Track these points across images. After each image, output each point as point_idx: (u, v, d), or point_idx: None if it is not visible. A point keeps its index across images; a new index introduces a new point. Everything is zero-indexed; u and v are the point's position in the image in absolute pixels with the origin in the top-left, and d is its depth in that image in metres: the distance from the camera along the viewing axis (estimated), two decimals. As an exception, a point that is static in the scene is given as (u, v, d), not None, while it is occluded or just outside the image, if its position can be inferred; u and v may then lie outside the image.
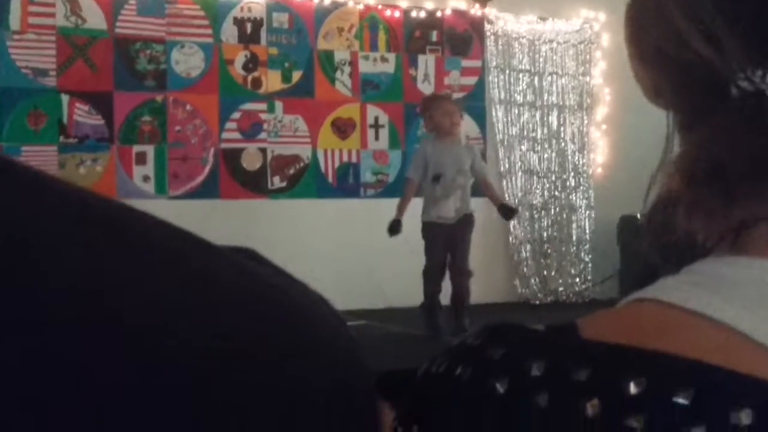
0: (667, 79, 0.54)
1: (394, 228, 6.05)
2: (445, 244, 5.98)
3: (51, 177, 0.41)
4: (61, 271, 0.35)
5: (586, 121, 8.51)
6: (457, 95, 7.95)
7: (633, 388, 0.43)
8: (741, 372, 0.44)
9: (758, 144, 0.48)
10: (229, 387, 0.36)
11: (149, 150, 7.22)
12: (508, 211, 6.36)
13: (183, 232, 0.42)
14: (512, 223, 8.12)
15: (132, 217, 0.41)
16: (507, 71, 8.27)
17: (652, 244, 0.57)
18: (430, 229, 6.01)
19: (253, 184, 7.50)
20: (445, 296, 6.07)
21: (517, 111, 8.28)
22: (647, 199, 0.59)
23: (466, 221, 6.07)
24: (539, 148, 8.37)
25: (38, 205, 0.38)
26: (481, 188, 6.34)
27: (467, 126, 8.00)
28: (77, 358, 0.33)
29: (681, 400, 0.43)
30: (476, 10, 8.11)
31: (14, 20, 6.85)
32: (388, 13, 7.90)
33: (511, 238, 8.18)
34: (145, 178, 7.20)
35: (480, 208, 7.15)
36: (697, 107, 0.51)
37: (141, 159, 7.19)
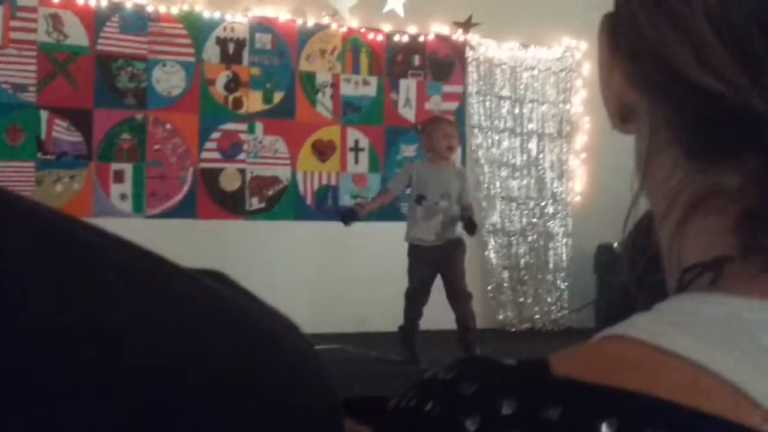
0: (672, 106, 0.52)
1: (348, 215, 6.11)
2: (429, 268, 5.89)
3: (21, 198, 0.40)
4: (28, 296, 0.35)
5: (565, 149, 8.56)
6: (415, 124, 7.99)
7: (605, 429, 0.43)
8: (712, 414, 0.43)
9: None
10: (202, 411, 0.36)
11: (127, 168, 7.19)
12: (471, 226, 6.15)
13: (154, 255, 0.41)
14: (489, 248, 8.15)
15: (102, 239, 0.40)
16: (488, 97, 8.31)
17: (630, 270, 0.56)
18: (411, 251, 5.97)
19: (231, 205, 7.48)
20: (449, 321, 6.00)
21: (497, 137, 8.32)
22: (626, 226, 0.58)
23: (453, 244, 5.98)
24: (518, 174, 8.40)
25: (9, 226, 0.37)
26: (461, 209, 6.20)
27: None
28: (48, 379, 0.33)
29: None
30: (459, 36, 8.16)
31: (-5, 35, 6.83)
32: (371, 36, 7.94)
33: (487, 265, 8.19)
34: (123, 197, 7.17)
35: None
36: (715, 143, 0.50)
37: (119, 177, 7.16)
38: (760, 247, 0.48)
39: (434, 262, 5.89)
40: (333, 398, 0.44)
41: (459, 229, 6.02)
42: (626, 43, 0.55)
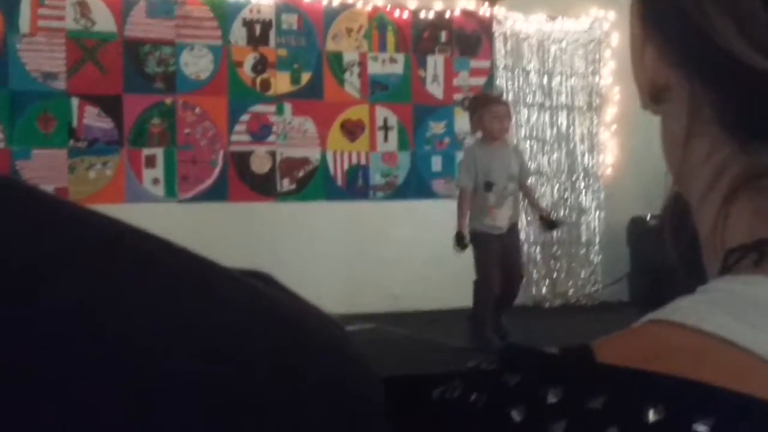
0: (716, 84, 0.50)
1: (460, 241, 5.72)
2: (499, 254, 5.72)
3: (52, 197, 0.40)
4: (59, 295, 0.35)
5: (595, 122, 8.49)
6: (465, 95, 7.96)
7: (652, 416, 0.42)
8: (762, 399, 0.42)
9: None
10: (247, 419, 0.36)
11: (159, 153, 7.23)
12: (551, 224, 6.11)
13: (198, 257, 0.41)
14: (521, 223, 8.11)
15: (146, 242, 0.41)
16: (516, 71, 8.26)
17: (675, 250, 0.55)
18: (483, 240, 5.71)
19: (262, 187, 7.50)
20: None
21: (526, 112, 8.27)
22: (666, 210, 0.57)
23: (515, 227, 5.93)
24: (548, 149, 8.35)
25: (37, 224, 0.37)
26: (523, 193, 6.09)
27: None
28: (77, 386, 0.33)
29: (701, 428, 0.42)
30: (485, 10, 8.10)
31: (24, 23, 6.87)
32: (396, 13, 7.90)
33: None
34: (155, 181, 7.21)
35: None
36: (764, 123, 0.48)
37: (150, 162, 7.21)
38: None
39: (502, 249, 5.73)
40: (377, 406, 0.44)
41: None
42: (662, 18, 0.54)
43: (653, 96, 0.56)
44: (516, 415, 0.44)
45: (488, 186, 5.70)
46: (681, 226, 0.57)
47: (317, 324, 0.43)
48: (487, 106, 5.83)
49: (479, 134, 5.92)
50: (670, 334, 0.47)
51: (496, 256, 5.68)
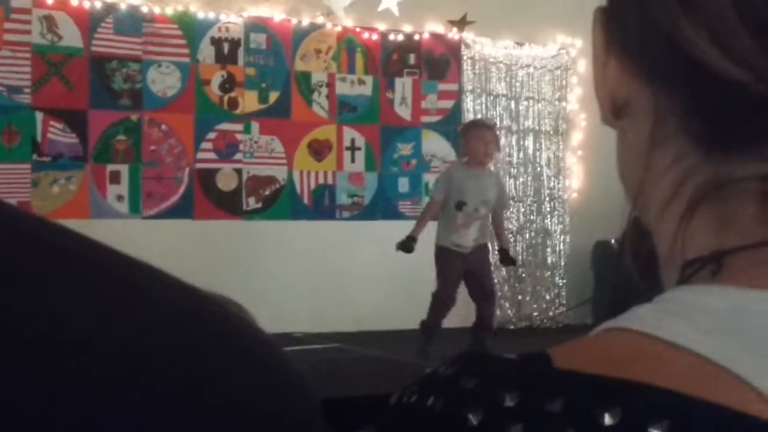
0: (683, 94, 0.50)
1: (407, 245, 5.87)
2: (461, 272, 5.88)
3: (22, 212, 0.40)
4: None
5: (561, 147, 8.56)
6: (433, 118, 8.00)
7: (608, 419, 0.42)
8: (715, 403, 0.43)
9: None
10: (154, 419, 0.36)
11: (123, 169, 7.19)
12: (508, 260, 6.31)
13: (168, 276, 0.41)
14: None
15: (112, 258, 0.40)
16: (483, 95, 8.32)
17: (632, 263, 0.56)
18: (446, 255, 5.87)
19: (228, 205, 7.47)
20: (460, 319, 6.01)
21: (493, 135, 8.31)
22: (628, 220, 0.58)
23: (484, 249, 6.05)
24: (515, 172, 8.41)
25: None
26: (492, 221, 6.22)
27: (444, 149, 8.04)
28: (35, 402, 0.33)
29: (656, 431, 0.42)
30: (454, 34, 8.16)
31: (-11, 37, 6.82)
32: (365, 35, 7.94)
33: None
34: (119, 198, 7.16)
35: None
36: (734, 133, 0.49)
37: (115, 178, 7.16)
38: None
39: (465, 266, 5.88)
40: (312, 421, 0.44)
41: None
42: (627, 27, 0.54)
43: (614, 110, 0.57)
44: (473, 419, 0.44)
45: (459, 205, 5.84)
46: (640, 240, 0.57)
47: (252, 340, 0.43)
48: (476, 130, 6.03)
49: (465, 158, 6.08)
50: (626, 340, 0.47)
51: (457, 274, 5.85)
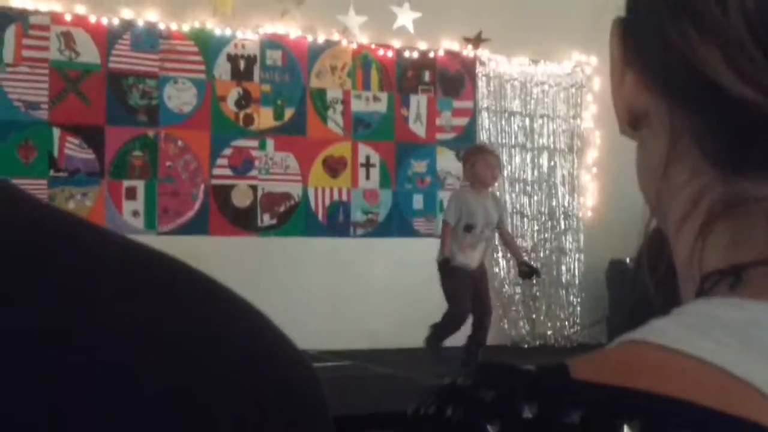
0: (698, 113, 0.51)
1: (446, 264, 6.11)
2: (470, 290, 6.13)
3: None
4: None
5: (576, 164, 8.55)
6: (448, 135, 8.01)
7: (627, 431, 0.43)
8: (734, 414, 0.43)
9: None
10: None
11: (139, 185, 7.22)
12: (529, 271, 6.58)
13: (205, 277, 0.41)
14: (501, 264, 8.13)
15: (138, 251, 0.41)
16: (498, 113, 8.32)
17: (650, 276, 0.56)
18: (454, 274, 6.10)
19: (243, 221, 7.49)
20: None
21: (508, 153, 8.32)
22: (647, 230, 0.58)
23: (484, 269, 6.35)
24: (530, 190, 8.39)
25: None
26: (502, 239, 6.67)
27: (459, 167, 8.03)
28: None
29: None
30: (469, 51, 8.17)
31: (8, 53, 6.88)
32: (381, 52, 7.96)
33: (499, 279, 8.18)
34: (135, 213, 7.19)
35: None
36: (747, 154, 0.49)
37: (131, 194, 7.19)
38: None
39: (472, 285, 6.13)
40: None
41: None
42: (644, 44, 0.54)
43: (631, 122, 0.57)
44: (491, 430, 0.44)
45: (468, 228, 6.12)
46: (658, 255, 0.57)
47: (275, 351, 0.43)
48: (481, 156, 6.31)
49: (469, 182, 6.37)
50: (644, 352, 0.47)
51: (467, 289, 6.10)
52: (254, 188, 7.56)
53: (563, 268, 8.43)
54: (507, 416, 0.45)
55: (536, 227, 8.39)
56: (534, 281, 7.97)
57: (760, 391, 0.44)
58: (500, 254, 8.17)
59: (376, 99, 7.97)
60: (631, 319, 0.52)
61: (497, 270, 8.13)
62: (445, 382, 0.49)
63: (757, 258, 0.49)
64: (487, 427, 0.45)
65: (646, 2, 0.55)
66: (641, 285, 0.57)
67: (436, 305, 6.08)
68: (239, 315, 0.42)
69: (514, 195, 8.31)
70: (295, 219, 7.65)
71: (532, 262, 6.56)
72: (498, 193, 6.79)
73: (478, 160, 6.23)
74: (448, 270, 6.09)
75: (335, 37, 7.77)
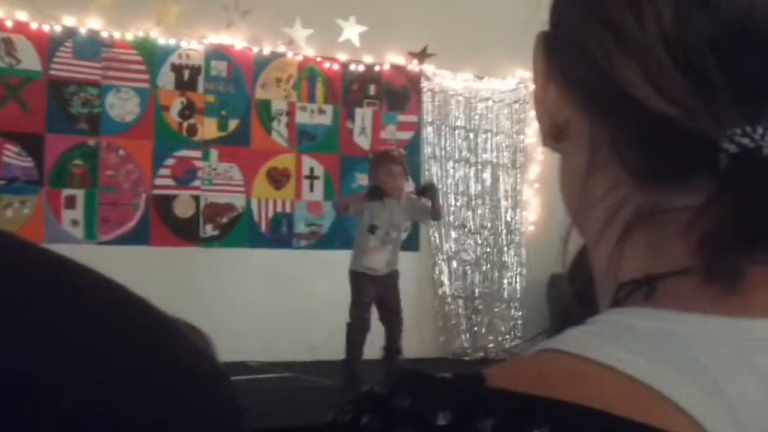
0: (617, 126, 0.52)
1: (352, 273, 6.10)
2: (373, 296, 6.04)
3: None
4: None
5: (519, 179, 8.62)
6: (399, 149, 8.03)
7: None
8: (643, 422, 0.44)
9: (745, 217, 0.48)
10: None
11: (79, 194, 7.12)
12: (422, 189, 6.43)
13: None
14: (444, 277, 8.17)
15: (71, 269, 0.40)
16: (443, 127, 8.36)
17: (570, 288, 0.57)
18: (359, 280, 6.04)
19: (185, 232, 7.42)
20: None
21: (452, 167, 8.36)
22: (566, 244, 0.59)
23: (395, 275, 6.19)
24: (473, 204, 8.44)
25: None
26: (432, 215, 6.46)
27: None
28: None
29: None
30: (414, 66, 8.21)
31: (-54, 58, 6.74)
32: (326, 65, 7.96)
33: (442, 293, 8.21)
34: (74, 223, 7.08)
35: (411, 261, 7.20)
36: (665, 166, 0.50)
37: (71, 203, 7.08)
38: (722, 267, 0.49)
39: (377, 290, 6.04)
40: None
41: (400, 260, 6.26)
42: (565, 59, 0.56)
43: (554, 134, 0.58)
44: None
45: (372, 229, 6.06)
46: (578, 265, 0.59)
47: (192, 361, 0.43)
48: (384, 164, 6.20)
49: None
50: (557, 360, 0.48)
51: (369, 299, 6.02)
52: (197, 199, 7.50)
53: (505, 282, 8.48)
54: (421, 424, 0.45)
55: (479, 241, 8.44)
56: (477, 288, 8.03)
57: (670, 399, 0.45)
58: (443, 269, 8.20)
59: (321, 111, 7.97)
60: (561, 323, 0.53)
61: (441, 282, 8.16)
62: (362, 391, 0.50)
63: (672, 268, 0.50)
64: None
65: (567, 17, 0.56)
66: (571, 295, 0.58)
67: (376, 318, 6.10)
68: (157, 327, 0.41)
69: (456, 209, 8.35)
70: (238, 230, 7.60)
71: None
72: (415, 197, 6.59)
73: (379, 168, 6.16)
74: (352, 278, 6.07)
75: (281, 48, 7.76)
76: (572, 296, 0.58)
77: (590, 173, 0.55)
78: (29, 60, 7.01)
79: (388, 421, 0.46)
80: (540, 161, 8.55)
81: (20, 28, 6.96)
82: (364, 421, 0.47)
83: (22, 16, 6.94)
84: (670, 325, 0.48)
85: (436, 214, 6.43)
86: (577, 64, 0.54)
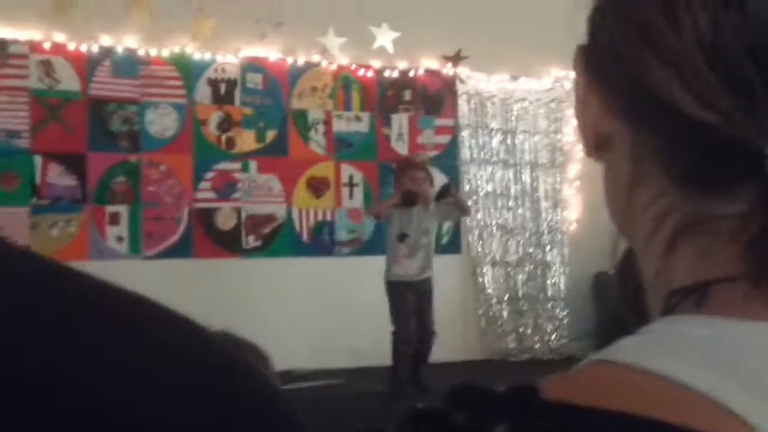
0: (659, 135, 0.52)
1: (388, 284, 6.12)
2: (413, 302, 6.06)
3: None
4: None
5: (559, 179, 8.58)
6: (430, 154, 8.02)
7: None
8: (697, 430, 0.44)
9: None
10: None
11: (123, 210, 7.20)
12: (443, 191, 6.48)
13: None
14: (487, 279, 8.15)
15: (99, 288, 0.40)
16: (480, 130, 8.34)
17: (621, 296, 0.57)
18: (396, 289, 6.07)
19: (228, 244, 7.47)
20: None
21: (490, 169, 8.34)
22: (616, 253, 0.59)
23: (429, 282, 6.20)
24: (513, 205, 8.41)
25: None
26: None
27: (441, 184, 8.04)
28: None
29: None
30: (448, 70, 8.20)
31: (-13, 82, 6.86)
32: (361, 72, 7.98)
33: (484, 295, 8.18)
34: (119, 239, 7.16)
35: (453, 264, 7.19)
36: (708, 174, 0.50)
37: (114, 219, 7.16)
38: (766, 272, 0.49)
39: (415, 297, 6.07)
40: None
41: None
42: (604, 71, 0.56)
43: (597, 145, 0.58)
44: None
45: (402, 237, 6.10)
46: (627, 272, 0.58)
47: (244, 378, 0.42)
48: (407, 171, 6.27)
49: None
50: (611, 372, 0.48)
51: (408, 305, 6.05)
52: (238, 210, 7.55)
53: (548, 282, 8.44)
54: None
55: (521, 242, 8.40)
56: (520, 289, 8.02)
57: (725, 407, 0.45)
58: (486, 270, 8.18)
59: (357, 119, 7.99)
60: (619, 334, 0.52)
61: (485, 284, 8.14)
62: (418, 407, 0.50)
63: (721, 275, 0.50)
64: None
65: (605, 28, 0.55)
66: (622, 301, 0.58)
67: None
68: (209, 346, 0.41)
69: (496, 210, 8.32)
70: (279, 240, 7.64)
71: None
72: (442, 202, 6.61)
73: (403, 176, 6.24)
74: (389, 288, 6.09)
75: (315, 58, 7.79)
76: (623, 303, 0.58)
77: (634, 183, 0.55)
78: (68, 80, 7.11)
79: None
80: (579, 159, 8.49)
81: (58, 49, 7.06)
82: None
83: (59, 37, 7.04)
84: (722, 333, 0.48)
85: (462, 208, 6.48)
86: (616, 75, 0.54)
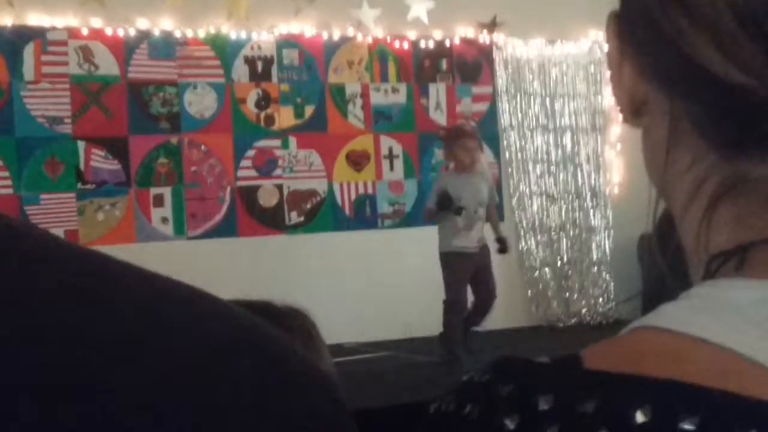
0: (695, 99, 0.51)
1: (444, 255, 6.05)
2: (469, 275, 6.00)
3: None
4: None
5: (600, 142, 8.51)
6: (469, 122, 7.99)
7: (639, 417, 0.44)
8: (744, 395, 0.44)
9: None
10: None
11: (166, 192, 7.27)
12: (504, 246, 6.38)
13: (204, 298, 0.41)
14: (530, 246, 8.12)
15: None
16: (518, 96, 8.29)
17: (662, 260, 0.57)
18: (453, 260, 5.99)
19: (271, 221, 7.52)
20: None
21: (530, 135, 8.29)
22: (654, 218, 0.59)
23: (487, 249, 6.16)
24: (554, 170, 8.36)
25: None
26: (486, 213, 6.31)
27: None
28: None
29: (687, 426, 0.43)
30: (484, 37, 8.15)
31: (28, 70, 6.93)
32: (396, 44, 7.95)
33: (527, 262, 8.16)
34: (164, 220, 7.24)
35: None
36: (745, 136, 0.50)
37: (159, 201, 7.24)
38: None
39: (472, 268, 6.00)
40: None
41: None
42: (637, 36, 0.55)
43: (633, 110, 0.58)
44: (510, 424, 0.46)
45: (458, 211, 5.95)
46: (667, 236, 0.58)
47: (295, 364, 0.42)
48: (459, 140, 6.15)
49: (452, 165, 6.27)
50: (654, 338, 0.48)
51: (465, 276, 5.97)
52: (280, 187, 7.59)
53: (593, 245, 8.40)
54: (524, 410, 0.46)
55: (564, 206, 8.36)
56: (564, 255, 7.99)
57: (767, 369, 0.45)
58: (529, 237, 8.16)
59: (394, 91, 7.97)
60: (666, 296, 0.52)
61: (528, 250, 8.12)
62: (462, 379, 0.51)
63: (760, 237, 0.50)
64: (506, 421, 0.46)
65: None
66: (660, 265, 0.58)
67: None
68: (264, 341, 0.42)
69: (538, 176, 8.28)
70: (322, 215, 7.67)
71: (505, 238, 6.38)
72: (486, 169, 6.56)
73: (455, 146, 6.11)
74: (445, 259, 6.02)
75: (350, 32, 7.77)
76: (664, 266, 0.58)
77: (672, 147, 0.55)
78: (107, 65, 7.17)
79: (491, 408, 0.47)
80: (620, 121, 8.40)
81: (96, 34, 7.12)
82: (467, 409, 0.48)
83: (96, 23, 7.09)
84: (763, 294, 0.48)
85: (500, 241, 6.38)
86: (650, 40, 0.54)
